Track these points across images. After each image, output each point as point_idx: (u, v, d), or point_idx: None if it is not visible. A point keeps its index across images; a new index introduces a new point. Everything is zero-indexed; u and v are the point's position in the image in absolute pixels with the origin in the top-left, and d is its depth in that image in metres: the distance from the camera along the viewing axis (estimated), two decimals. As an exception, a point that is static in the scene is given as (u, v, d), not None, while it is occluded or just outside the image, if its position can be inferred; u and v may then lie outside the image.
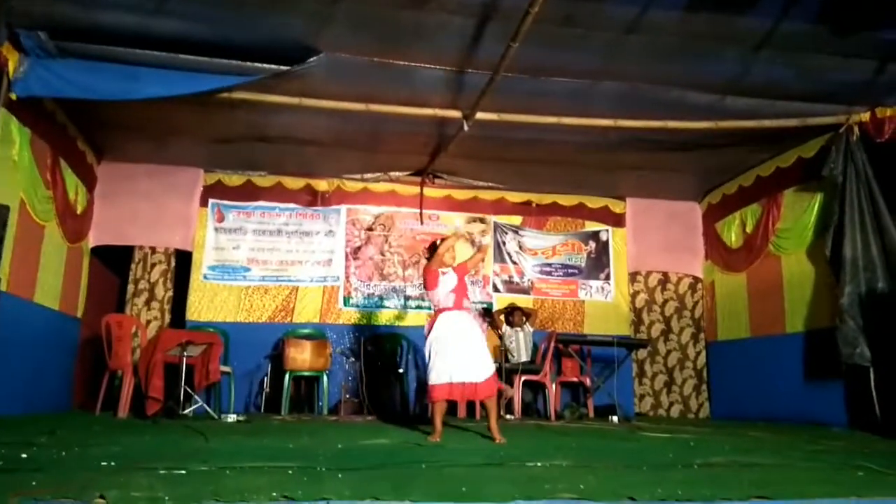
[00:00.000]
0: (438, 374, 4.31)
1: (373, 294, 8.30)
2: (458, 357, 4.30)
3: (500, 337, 7.50)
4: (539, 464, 3.01)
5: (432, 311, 4.66)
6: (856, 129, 6.25)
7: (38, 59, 5.18)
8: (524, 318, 7.59)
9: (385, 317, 8.24)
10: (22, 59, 5.17)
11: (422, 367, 7.94)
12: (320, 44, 5.23)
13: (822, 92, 5.88)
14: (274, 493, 2.04)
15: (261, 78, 5.48)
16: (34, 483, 2.17)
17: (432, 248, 4.68)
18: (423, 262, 4.94)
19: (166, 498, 1.98)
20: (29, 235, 5.88)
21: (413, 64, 5.51)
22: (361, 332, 7.97)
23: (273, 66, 5.39)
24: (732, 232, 8.25)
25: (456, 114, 6.25)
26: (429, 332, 4.49)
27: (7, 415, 5.12)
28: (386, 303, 8.31)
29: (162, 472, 2.49)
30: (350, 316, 8.16)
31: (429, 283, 4.58)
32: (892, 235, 5.95)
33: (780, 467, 3.15)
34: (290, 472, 2.58)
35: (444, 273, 4.56)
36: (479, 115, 6.12)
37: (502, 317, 7.70)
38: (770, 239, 7.44)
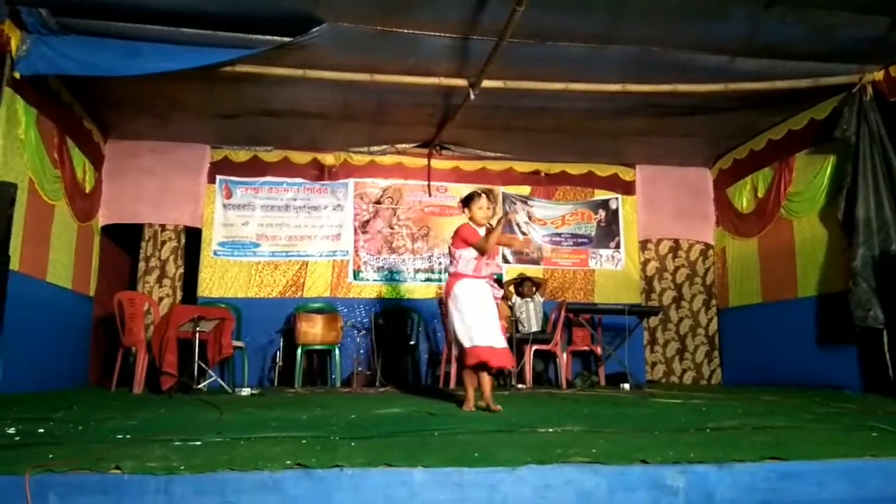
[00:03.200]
0: (496, 338, 4.05)
1: (382, 267, 8.31)
2: (496, 324, 4.12)
3: (511, 307, 7.49)
4: (551, 430, 3.01)
5: (448, 277, 4.29)
6: (869, 89, 6.14)
7: (40, 36, 5.15)
8: (534, 288, 7.59)
9: (395, 290, 8.25)
10: (24, 37, 5.14)
11: (433, 340, 7.98)
12: (322, 14, 5.16)
13: (834, 50, 5.75)
14: (288, 462, 2.05)
15: (264, 50, 5.42)
16: (51, 456, 2.19)
17: (467, 200, 4.30)
18: (463, 215, 4.35)
19: (181, 467, 2.00)
20: (39, 215, 5.90)
21: (417, 32, 5.43)
22: (372, 305, 8.00)
23: (276, 38, 5.32)
24: (744, 197, 8.17)
25: (462, 82, 6.17)
26: (448, 295, 4.18)
27: (23, 392, 5.18)
28: (395, 276, 8.31)
29: (177, 443, 2.52)
30: (360, 289, 8.19)
31: (469, 235, 4.16)
32: (906, 196, 5.88)
33: (793, 429, 3.13)
34: (304, 441, 2.60)
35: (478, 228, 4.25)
36: (486, 83, 6.05)
37: (512, 287, 7.69)
38: (782, 203, 7.37)
